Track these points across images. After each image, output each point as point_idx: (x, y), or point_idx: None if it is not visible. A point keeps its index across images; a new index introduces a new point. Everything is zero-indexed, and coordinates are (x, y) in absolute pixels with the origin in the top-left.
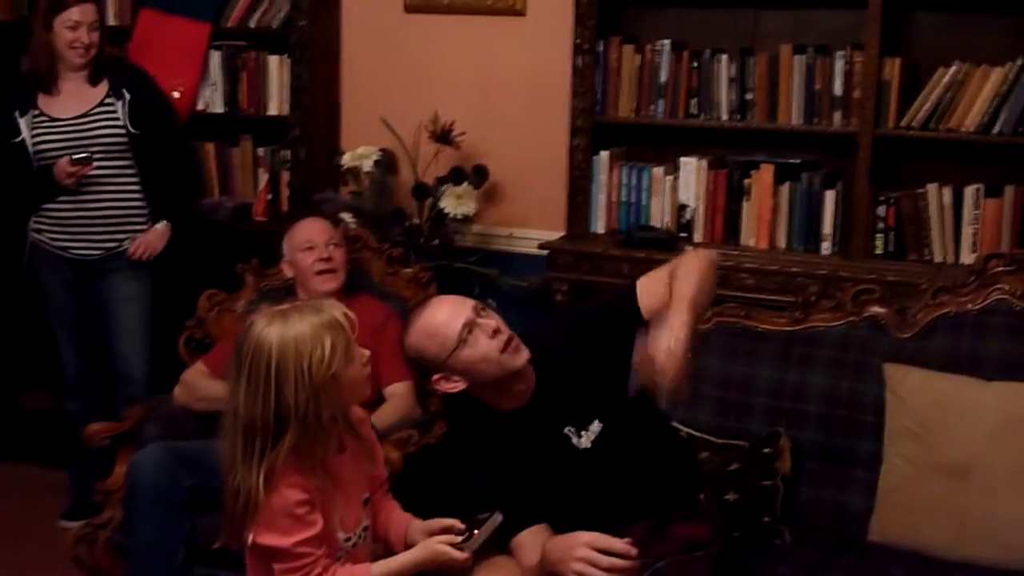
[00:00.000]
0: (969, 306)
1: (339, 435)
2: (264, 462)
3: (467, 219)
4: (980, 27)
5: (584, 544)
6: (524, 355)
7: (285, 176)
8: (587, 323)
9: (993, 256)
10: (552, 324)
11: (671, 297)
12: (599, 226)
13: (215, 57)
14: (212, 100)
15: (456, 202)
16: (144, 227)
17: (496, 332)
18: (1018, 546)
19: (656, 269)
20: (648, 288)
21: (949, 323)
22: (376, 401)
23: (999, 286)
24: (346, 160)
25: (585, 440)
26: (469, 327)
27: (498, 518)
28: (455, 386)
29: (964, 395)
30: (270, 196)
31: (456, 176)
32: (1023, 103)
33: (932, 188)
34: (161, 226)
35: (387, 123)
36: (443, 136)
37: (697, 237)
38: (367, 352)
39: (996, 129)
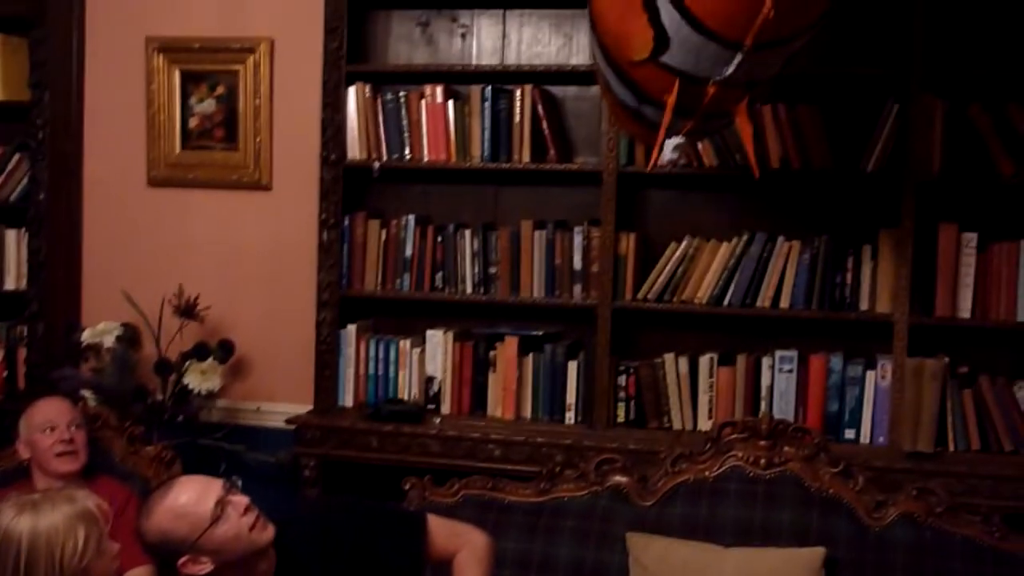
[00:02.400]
0: (706, 473)
1: None
2: None
3: (212, 395)
4: (708, 205)
5: None
6: (270, 532)
7: (22, 352)
8: (364, 542)
9: (727, 424)
10: (324, 517)
11: None
12: (347, 399)
13: None
14: None
15: (201, 378)
16: None
17: (247, 509)
18: None
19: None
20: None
21: (688, 490)
22: None
23: (733, 453)
24: (86, 336)
25: None
26: (221, 505)
27: None
28: (202, 568)
29: (704, 562)
30: (6, 373)
31: (200, 351)
32: (749, 276)
33: (669, 357)
34: None
35: (129, 297)
36: (187, 310)
37: (445, 409)
38: (118, 545)
39: (726, 301)
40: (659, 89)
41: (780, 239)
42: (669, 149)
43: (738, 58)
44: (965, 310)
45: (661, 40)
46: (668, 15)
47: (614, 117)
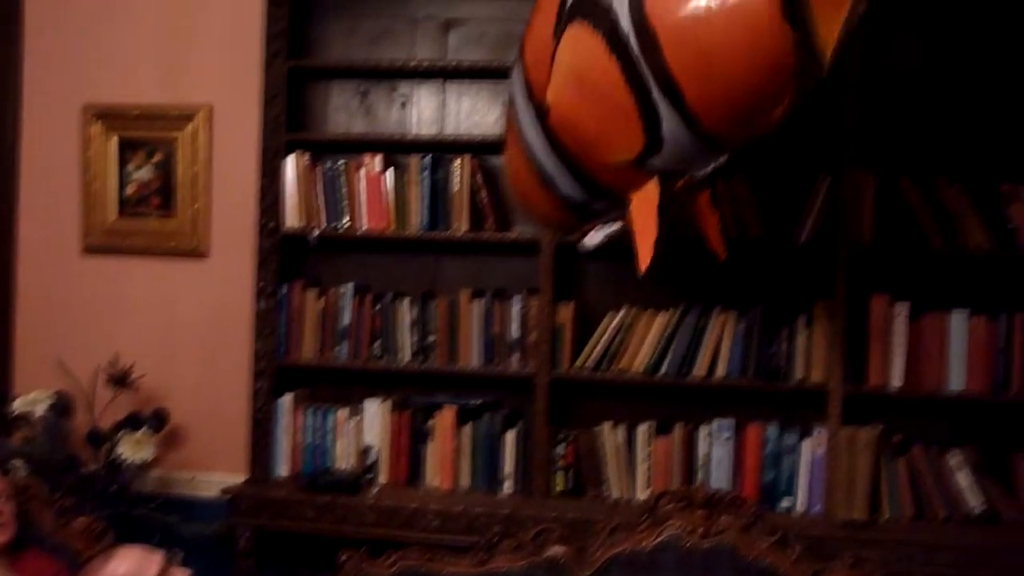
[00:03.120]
0: (643, 543)
1: None
2: None
3: (146, 464)
4: (645, 275)
5: None
6: None
7: None
8: None
9: (663, 494)
10: None
11: None
12: (283, 469)
13: None
14: None
15: (134, 448)
16: None
17: None
18: None
19: None
20: None
21: (624, 561)
22: None
23: (670, 522)
24: (17, 405)
25: None
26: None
27: None
28: None
29: None
30: None
31: (134, 421)
32: (685, 346)
33: (607, 427)
34: None
35: (64, 366)
36: (122, 379)
37: (382, 478)
38: None
39: (663, 370)
40: (622, 186)
41: (716, 309)
42: (601, 235)
43: (723, 158)
44: (897, 379)
45: (653, 146)
46: (670, 123)
47: (528, 201)
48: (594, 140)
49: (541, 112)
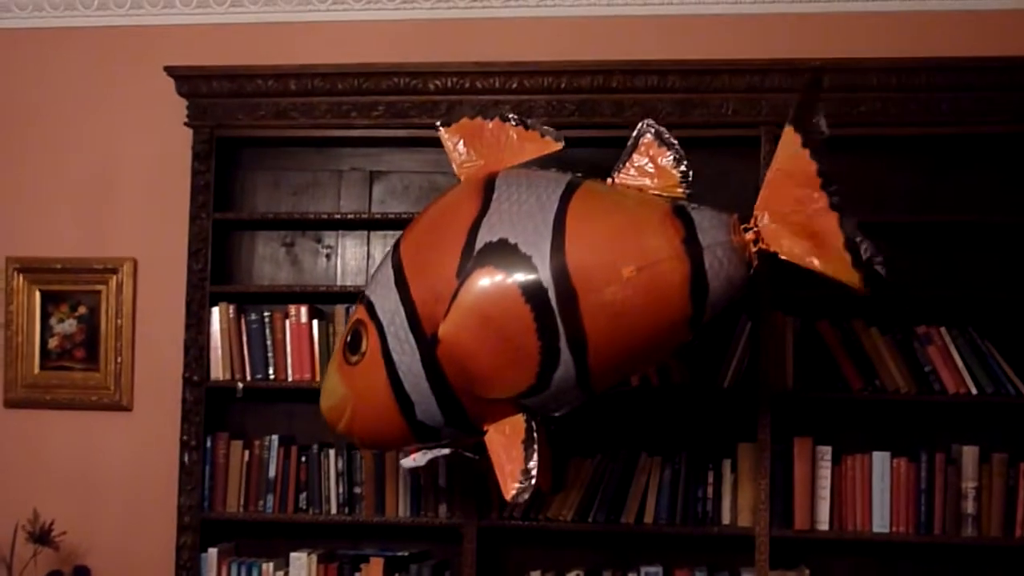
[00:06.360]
0: None
1: None
2: None
3: None
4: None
5: None
6: None
7: None
8: None
9: None
10: None
11: None
12: None
13: None
14: None
15: None
16: None
17: None
18: None
19: None
20: None
21: None
22: None
23: None
24: None
25: None
26: None
27: None
28: None
29: None
30: None
31: None
32: (612, 492)
33: (536, 575)
34: None
35: None
36: (42, 536)
37: None
38: None
39: (591, 517)
40: (482, 418)
41: (643, 455)
42: (426, 458)
43: (583, 400)
44: (823, 522)
45: (539, 387)
46: (564, 370)
47: (364, 423)
48: (482, 376)
49: (427, 343)
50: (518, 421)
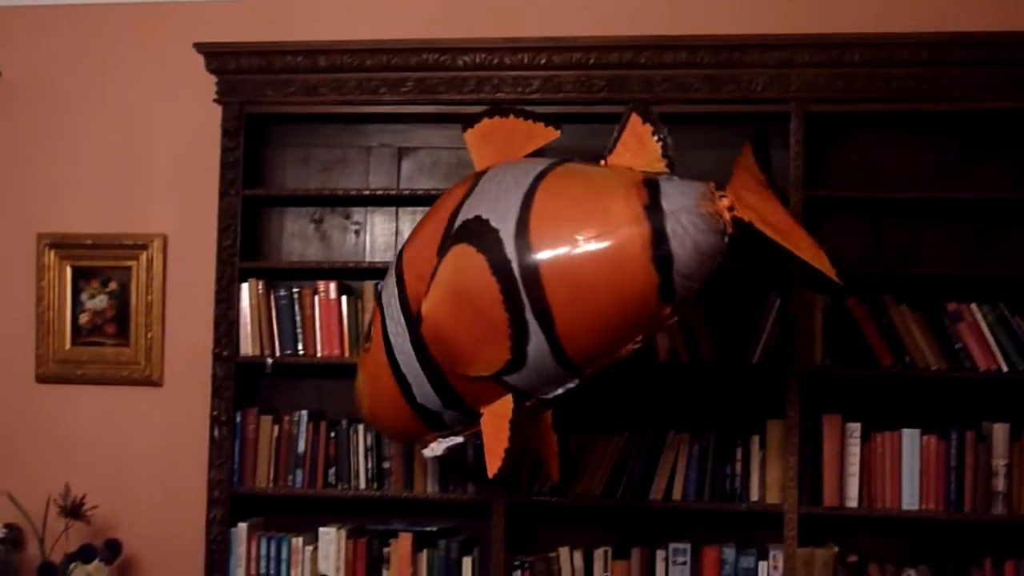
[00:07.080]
0: None
1: None
2: None
3: None
4: (598, 398)
5: None
6: None
7: None
8: None
9: None
10: None
11: None
12: None
13: None
14: None
15: None
16: None
17: None
18: None
19: None
20: None
21: None
22: None
23: None
24: None
25: None
26: None
27: None
28: None
29: None
30: None
31: (86, 553)
32: (641, 469)
33: (564, 551)
34: None
35: (12, 498)
36: (73, 510)
37: None
38: None
39: (619, 493)
40: (477, 400)
41: (671, 432)
42: (442, 448)
43: (574, 382)
44: (852, 499)
45: (517, 363)
46: (536, 343)
47: (379, 409)
48: (462, 352)
49: (414, 322)
50: (507, 400)
